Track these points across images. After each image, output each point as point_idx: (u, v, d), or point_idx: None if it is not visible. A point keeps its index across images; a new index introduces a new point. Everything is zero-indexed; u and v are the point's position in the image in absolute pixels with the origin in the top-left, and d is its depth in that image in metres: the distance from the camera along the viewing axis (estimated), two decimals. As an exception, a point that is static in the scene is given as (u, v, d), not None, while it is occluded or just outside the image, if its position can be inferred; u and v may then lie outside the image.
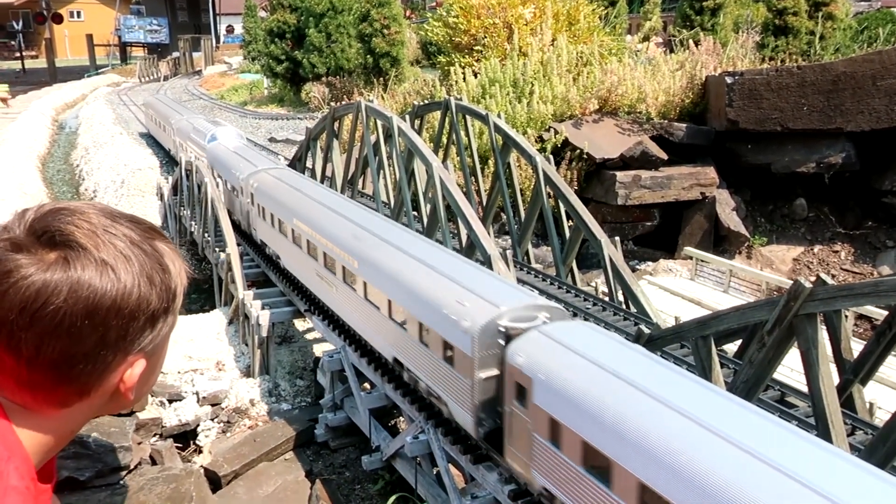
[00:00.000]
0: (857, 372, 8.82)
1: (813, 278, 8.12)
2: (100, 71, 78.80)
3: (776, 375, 9.42)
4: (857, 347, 9.42)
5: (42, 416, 1.72)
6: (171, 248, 1.81)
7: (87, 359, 1.64)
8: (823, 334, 8.36)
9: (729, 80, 21.12)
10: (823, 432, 7.80)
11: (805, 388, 8.79)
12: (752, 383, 8.66)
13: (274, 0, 42.53)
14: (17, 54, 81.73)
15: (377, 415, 12.29)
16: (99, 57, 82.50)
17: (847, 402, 8.74)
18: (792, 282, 8.30)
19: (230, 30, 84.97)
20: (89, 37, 79.86)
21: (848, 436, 8.24)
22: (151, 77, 73.88)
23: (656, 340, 9.84)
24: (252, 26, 58.80)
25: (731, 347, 11.06)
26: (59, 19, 72.40)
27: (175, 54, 79.05)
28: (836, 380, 8.56)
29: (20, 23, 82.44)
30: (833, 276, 19.19)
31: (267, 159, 19.92)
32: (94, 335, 1.62)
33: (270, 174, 16.72)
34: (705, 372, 9.05)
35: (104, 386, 1.72)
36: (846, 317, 9.26)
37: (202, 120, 30.17)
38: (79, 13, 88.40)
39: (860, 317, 16.36)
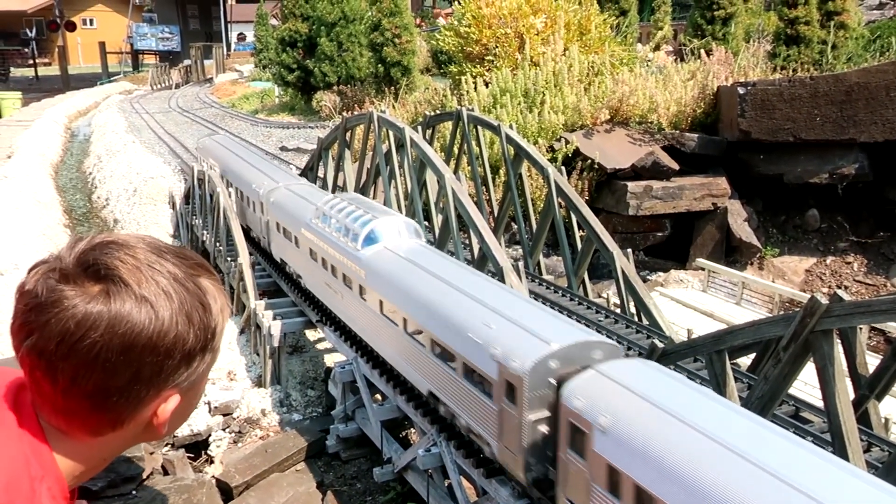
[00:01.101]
0: (872, 387, 8.76)
1: (826, 290, 8.10)
2: (112, 78, 79.37)
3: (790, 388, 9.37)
4: (871, 361, 9.37)
5: (77, 442, 1.77)
6: (215, 285, 1.83)
7: (120, 392, 1.68)
8: (839, 349, 8.31)
9: (741, 90, 21.07)
10: (840, 449, 7.75)
11: (819, 403, 8.75)
12: (766, 399, 8.61)
13: (285, 9, 42.76)
14: (31, 62, 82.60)
15: (389, 426, 12.29)
16: (111, 64, 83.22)
17: (862, 418, 8.68)
18: (805, 294, 8.26)
19: (241, 37, 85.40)
20: (102, 44, 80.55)
21: (864, 452, 8.19)
22: (163, 85, 74.34)
23: (670, 355, 9.80)
24: (263, 34, 59.16)
25: (745, 361, 11.02)
26: (71, 27, 73.08)
27: (186, 62, 79.59)
28: (850, 395, 8.50)
29: (33, 30, 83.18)
30: (846, 288, 19.07)
31: (554, 316, 8.89)
32: (128, 370, 1.66)
33: (610, 375, 7.05)
34: (719, 387, 9.01)
35: (137, 419, 1.76)
36: (860, 330, 9.19)
37: (324, 193, 16.02)
38: (91, 21, 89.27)
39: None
